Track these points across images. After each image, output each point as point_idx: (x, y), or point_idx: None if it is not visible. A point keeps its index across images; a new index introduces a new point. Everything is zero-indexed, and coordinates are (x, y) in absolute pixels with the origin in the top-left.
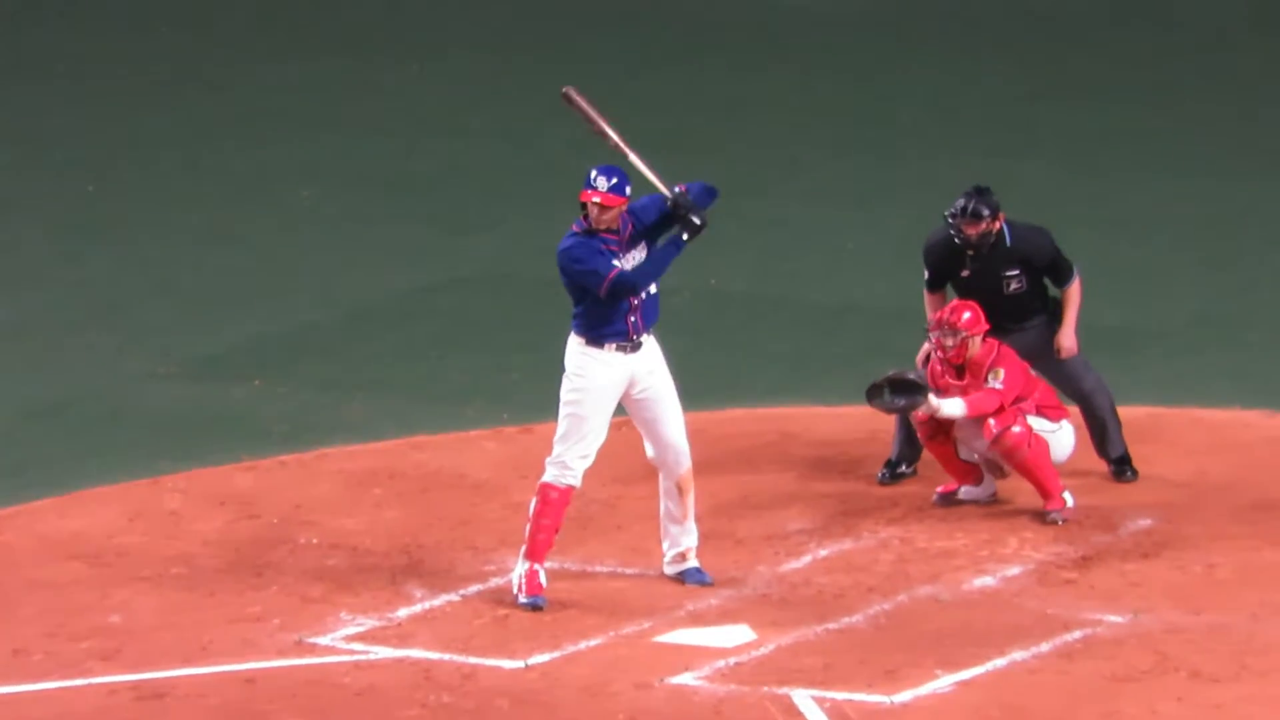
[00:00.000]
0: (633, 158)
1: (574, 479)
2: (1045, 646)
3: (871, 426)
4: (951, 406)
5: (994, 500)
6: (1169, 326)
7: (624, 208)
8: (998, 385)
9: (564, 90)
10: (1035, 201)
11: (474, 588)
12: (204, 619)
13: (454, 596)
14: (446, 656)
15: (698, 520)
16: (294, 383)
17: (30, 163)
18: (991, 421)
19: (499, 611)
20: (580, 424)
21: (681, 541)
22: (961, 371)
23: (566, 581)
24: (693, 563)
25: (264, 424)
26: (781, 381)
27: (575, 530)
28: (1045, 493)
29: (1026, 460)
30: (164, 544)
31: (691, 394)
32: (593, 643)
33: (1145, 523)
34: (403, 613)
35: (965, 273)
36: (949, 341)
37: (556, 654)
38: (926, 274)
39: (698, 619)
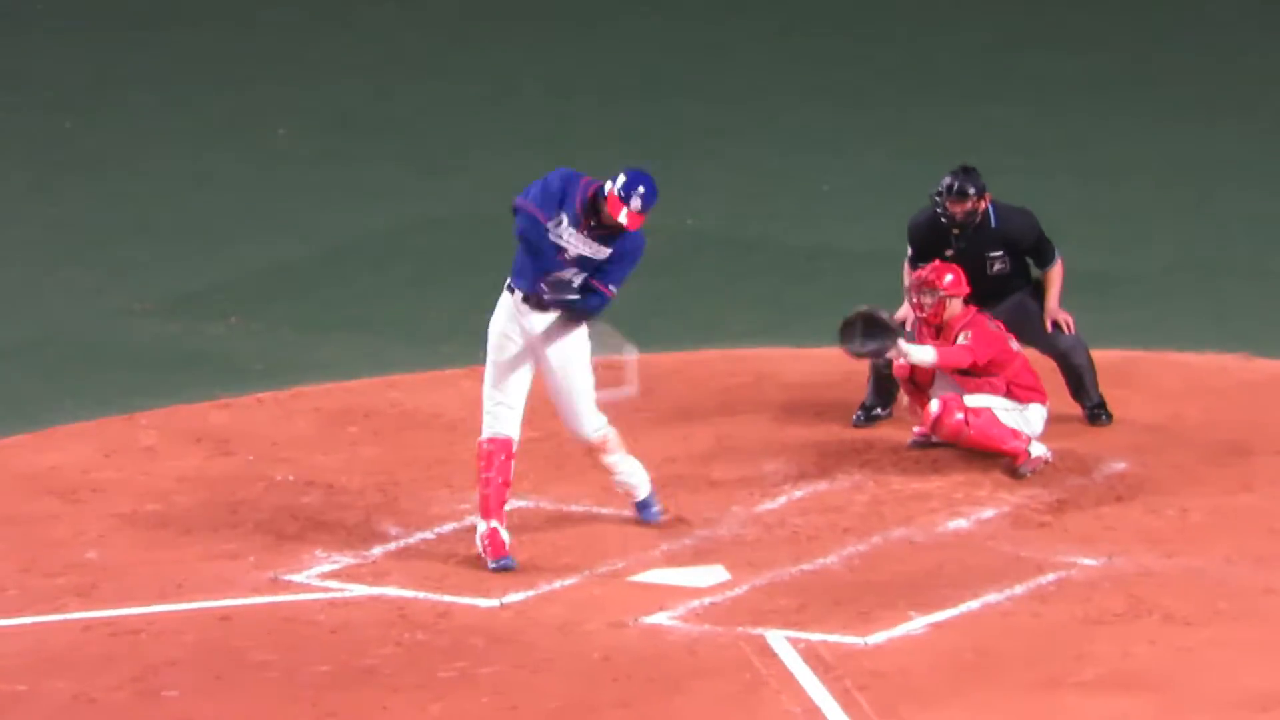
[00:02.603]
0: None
1: (502, 427)
2: (1019, 589)
3: (847, 369)
4: (922, 353)
5: None
6: (1145, 270)
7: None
8: (966, 344)
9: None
10: (1010, 147)
11: (449, 526)
12: (179, 556)
13: (429, 535)
14: (421, 594)
15: (672, 461)
16: (270, 320)
17: (8, 99)
18: (934, 407)
19: (474, 550)
20: (492, 368)
21: (623, 488)
22: (940, 333)
23: (542, 521)
24: (641, 500)
25: (240, 361)
26: (757, 323)
27: (551, 470)
28: (1009, 455)
29: (973, 440)
30: (139, 481)
31: (667, 335)
32: (568, 582)
33: (1119, 466)
34: (377, 550)
35: (949, 252)
36: (927, 300)
37: (531, 593)
38: (910, 252)
39: (673, 559)
